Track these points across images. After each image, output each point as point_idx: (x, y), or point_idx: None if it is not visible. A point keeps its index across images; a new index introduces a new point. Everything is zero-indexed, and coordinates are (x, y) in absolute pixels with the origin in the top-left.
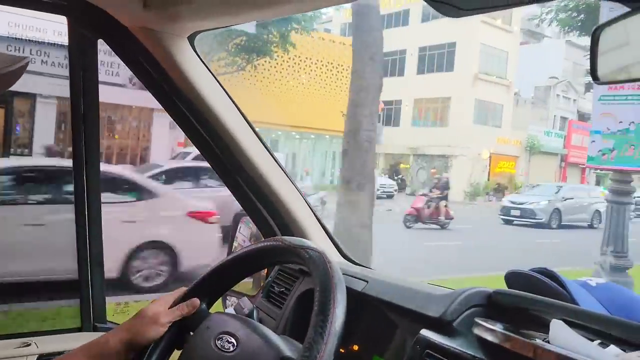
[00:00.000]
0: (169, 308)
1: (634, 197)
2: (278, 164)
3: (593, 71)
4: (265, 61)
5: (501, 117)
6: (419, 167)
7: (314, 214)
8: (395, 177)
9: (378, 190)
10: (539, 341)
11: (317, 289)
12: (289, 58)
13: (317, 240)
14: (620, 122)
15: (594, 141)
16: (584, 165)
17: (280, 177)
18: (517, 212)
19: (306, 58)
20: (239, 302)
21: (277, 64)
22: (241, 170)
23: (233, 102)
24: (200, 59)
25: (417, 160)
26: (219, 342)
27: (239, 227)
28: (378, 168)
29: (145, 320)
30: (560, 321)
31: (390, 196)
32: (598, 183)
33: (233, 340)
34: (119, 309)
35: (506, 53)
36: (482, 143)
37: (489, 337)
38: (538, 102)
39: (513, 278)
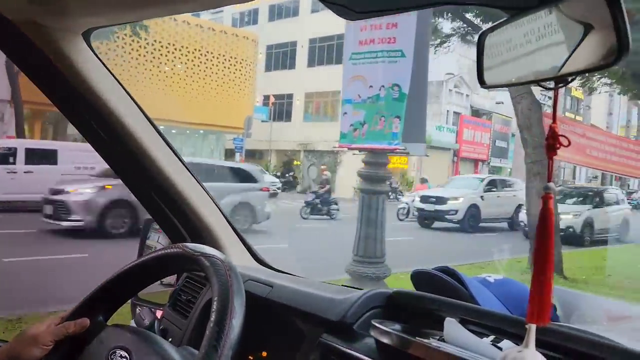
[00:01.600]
0: (56, 325)
1: (392, 185)
2: (186, 168)
3: (480, 76)
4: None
5: None
6: (310, 163)
7: (226, 218)
8: (287, 175)
9: None
10: (432, 341)
11: (215, 297)
12: (147, 44)
13: (229, 245)
14: (371, 86)
15: (345, 113)
16: (475, 159)
17: (189, 181)
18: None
19: (169, 44)
20: (139, 313)
21: (131, 49)
22: (146, 173)
23: (135, 102)
24: (98, 58)
25: (308, 156)
26: (112, 356)
27: (149, 234)
28: (270, 165)
29: (24, 341)
30: (454, 319)
31: (273, 195)
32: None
33: (126, 354)
34: (9, 325)
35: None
36: None
37: (385, 340)
38: (431, 97)
39: (418, 277)
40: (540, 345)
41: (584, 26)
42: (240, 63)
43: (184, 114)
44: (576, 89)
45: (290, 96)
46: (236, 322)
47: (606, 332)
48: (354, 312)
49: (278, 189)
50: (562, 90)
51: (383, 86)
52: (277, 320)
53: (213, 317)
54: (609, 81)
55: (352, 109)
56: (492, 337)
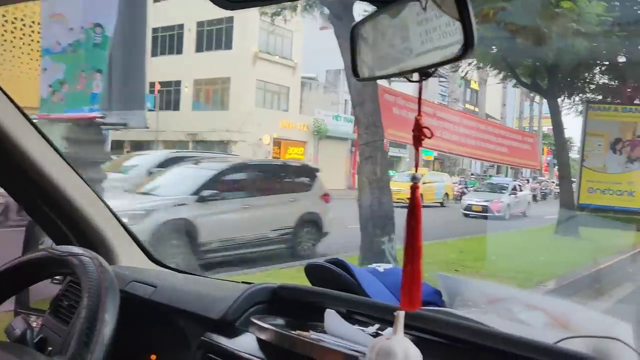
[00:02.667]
0: None
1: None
2: (70, 166)
3: (354, 68)
4: None
5: (288, 101)
6: None
7: (116, 218)
8: None
9: None
10: (313, 334)
11: (85, 295)
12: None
13: (118, 246)
14: (71, 28)
15: (45, 69)
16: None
17: (73, 180)
18: None
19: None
20: (10, 324)
21: None
22: (24, 173)
23: (6, 95)
24: None
25: (197, 147)
26: None
27: (38, 238)
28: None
29: None
30: (333, 311)
31: None
32: (391, 166)
33: None
34: None
35: (291, 32)
36: (266, 128)
37: (262, 335)
38: (330, 86)
39: (311, 270)
40: (417, 330)
41: (439, 20)
42: None
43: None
44: (475, 82)
45: (178, 83)
46: (109, 317)
47: (485, 313)
48: (236, 309)
49: None
50: (456, 79)
51: (83, 27)
52: (162, 322)
53: (83, 313)
54: (481, 64)
55: (52, 62)
56: (377, 326)
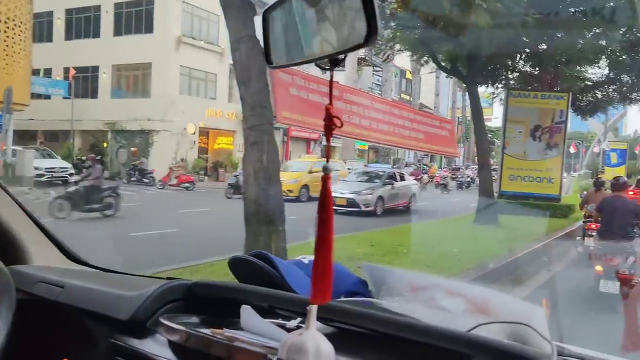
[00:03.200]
0: None
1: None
2: None
3: (267, 55)
4: None
5: (215, 88)
6: (119, 145)
7: (30, 216)
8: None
9: (43, 175)
10: (227, 331)
11: None
12: None
13: (33, 245)
14: None
15: None
16: (307, 138)
17: None
18: None
19: None
20: None
21: None
22: None
23: None
24: None
25: (117, 137)
26: None
27: None
28: (73, 148)
29: None
30: (249, 307)
31: (65, 181)
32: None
33: None
34: None
35: (217, 17)
36: (191, 116)
37: (170, 337)
38: None
39: (234, 264)
40: (338, 323)
41: (344, 7)
42: (7, 23)
43: None
44: (410, 72)
45: (95, 69)
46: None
47: (408, 301)
48: (146, 309)
49: (70, 174)
50: (390, 69)
51: None
52: (70, 324)
53: None
54: (401, 47)
55: None
56: (299, 320)
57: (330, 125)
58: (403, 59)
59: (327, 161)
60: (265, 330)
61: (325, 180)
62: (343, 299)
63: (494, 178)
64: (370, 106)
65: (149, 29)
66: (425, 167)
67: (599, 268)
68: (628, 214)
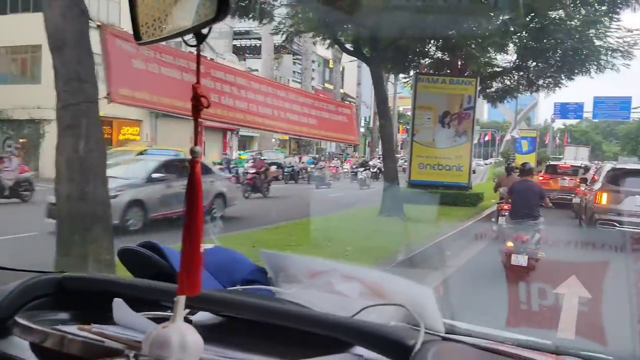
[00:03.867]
0: None
1: None
2: None
3: (135, 31)
4: None
5: None
6: (5, 136)
7: None
8: None
9: None
10: (95, 327)
11: None
12: None
13: None
14: None
15: None
16: (224, 128)
17: None
18: None
19: None
20: None
21: None
22: None
23: None
24: None
25: (3, 127)
26: None
27: None
28: None
29: None
30: (121, 300)
31: None
32: (244, 147)
33: None
34: None
35: None
36: None
37: (26, 337)
38: None
39: (124, 255)
40: (210, 311)
41: None
42: None
43: None
44: (333, 61)
45: None
46: None
47: (307, 287)
48: (8, 306)
49: None
50: (309, 56)
51: None
52: None
53: None
54: (303, 29)
55: None
56: (186, 311)
57: (197, 105)
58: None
59: (195, 144)
60: (139, 324)
61: (194, 164)
62: (239, 287)
63: (404, 167)
64: (248, 86)
65: (38, 6)
66: (347, 156)
67: (510, 244)
68: (534, 196)
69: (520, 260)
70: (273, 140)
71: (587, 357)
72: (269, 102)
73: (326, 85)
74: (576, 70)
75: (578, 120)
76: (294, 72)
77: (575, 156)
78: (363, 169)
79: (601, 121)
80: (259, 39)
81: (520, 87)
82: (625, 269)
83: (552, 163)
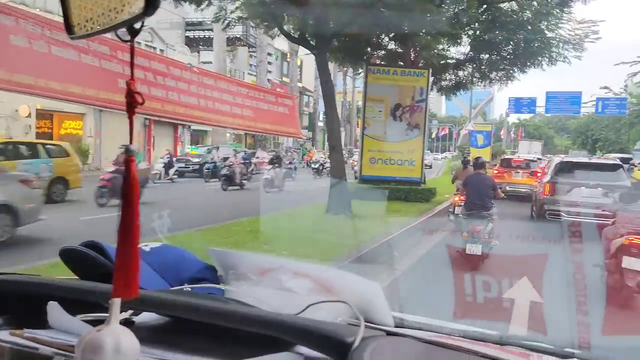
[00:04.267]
0: None
1: None
2: None
3: (68, 26)
4: None
5: None
6: None
7: None
8: None
9: None
10: (27, 331)
11: None
12: None
13: None
14: None
15: None
16: (176, 122)
17: None
18: None
19: None
20: None
21: None
22: None
23: None
24: None
25: None
26: None
27: None
28: None
29: None
30: (55, 303)
31: None
32: (197, 142)
33: None
34: None
35: None
36: (26, 96)
37: None
38: None
39: (66, 255)
40: (153, 311)
41: None
42: None
43: None
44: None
45: None
46: None
47: (256, 284)
48: None
49: None
50: (265, 49)
51: None
52: None
53: None
54: (243, 15)
55: None
56: (130, 312)
57: (132, 102)
58: (283, 41)
59: (131, 142)
60: (75, 328)
61: (129, 162)
62: (187, 286)
63: (355, 162)
64: (167, 72)
65: None
66: (305, 151)
67: (465, 234)
68: (486, 188)
69: (474, 249)
70: (228, 135)
71: (528, 347)
72: (194, 90)
73: (284, 78)
74: (528, 63)
75: (531, 115)
76: (250, 65)
77: (528, 150)
78: (271, 166)
79: (553, 116)
80: (212, 29)
81: (474, 79)
82: (566, 259)
83: (506, 157)
